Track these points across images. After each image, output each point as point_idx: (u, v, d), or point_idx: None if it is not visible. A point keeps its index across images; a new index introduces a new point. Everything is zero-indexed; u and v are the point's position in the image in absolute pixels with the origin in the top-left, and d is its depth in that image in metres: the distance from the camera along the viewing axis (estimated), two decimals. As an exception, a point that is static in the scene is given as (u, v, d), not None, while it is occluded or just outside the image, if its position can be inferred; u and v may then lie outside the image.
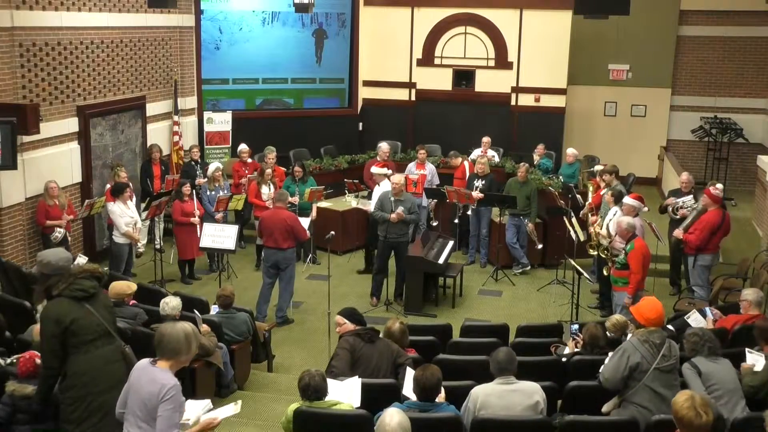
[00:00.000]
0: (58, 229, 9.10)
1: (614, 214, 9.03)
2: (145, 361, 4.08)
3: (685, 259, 9.24)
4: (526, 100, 14.48)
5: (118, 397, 4.34)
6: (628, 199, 8.78)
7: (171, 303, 6.41)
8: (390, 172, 10.62)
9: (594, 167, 11.42)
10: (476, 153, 12.45)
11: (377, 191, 10.39)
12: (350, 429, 4.47)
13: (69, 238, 9.41)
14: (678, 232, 9.00)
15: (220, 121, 13.25)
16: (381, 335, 5.76)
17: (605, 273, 8.59)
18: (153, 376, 3.94)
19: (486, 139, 12.69)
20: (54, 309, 4.46)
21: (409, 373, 4.98)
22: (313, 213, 10.71)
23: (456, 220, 11.21)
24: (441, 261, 9.53)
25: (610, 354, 5.31)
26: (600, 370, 5.26)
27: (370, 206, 10.52)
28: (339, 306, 9.37)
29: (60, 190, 9.34)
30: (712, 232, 8.84)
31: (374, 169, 10.80)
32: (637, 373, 4.97)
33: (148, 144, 11.49)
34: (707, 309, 7.13)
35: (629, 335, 5.58)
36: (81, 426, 4.38)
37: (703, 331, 5.42)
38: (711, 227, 8.84)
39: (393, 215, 9.19)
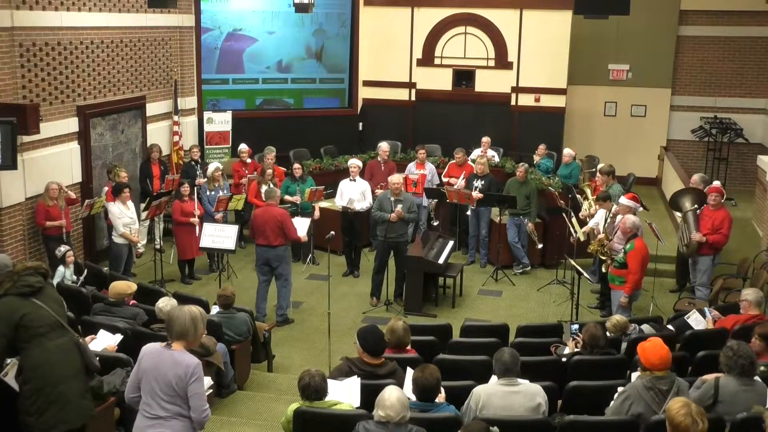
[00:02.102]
0: (64, 245, 8.74)
1: (602, 217, 9.06)
2: (157, 346, 4.25)
3: (695, 261, 9.19)
4: (526, 100, 14.48)
5: (78, 386, 4.58)
6: (623, 200, 8.78)
7: (165, 309, 6.39)
8: (360, 163, 10.84)
9: (597, 167, 11.40)
10: (476, 153, 12.45)
11: (343, 184, 10.60)
12: (350, 429, 4.46)
13: (72, 261, 8.63)
14: (699, 236, 8.87)
15: (220, 121, 13.24)
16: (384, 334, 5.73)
17: (604, 270, 8.61)
18: (174, 359, 4.15)
19: (486, 139, 12.69)
20: (3, 308, 4.50)
21: (409, 373, 4.98)
22: (316, 213, 10.73)
23: (468, 212, 11.16)
24: (441, 261, 9.53)
25: (620, 389, 5.05)
26: (609, 408, 5.03)
27: (336, 200, 10.70)
28: (339, 306, 9.48)
29: (59, 192, 9.33)
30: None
31: (351, 161, 10.94)
32: (641, 421, 4.67)
33: (148, 144, 11.49)
34: (706, 309, 7.14)
35: (637, 376, 5.03)
36: (42, 417, 4.47)
37: (739, 345, 4.92)
38: (731, 223, 8.93)
39: (392, 215, 9.20)
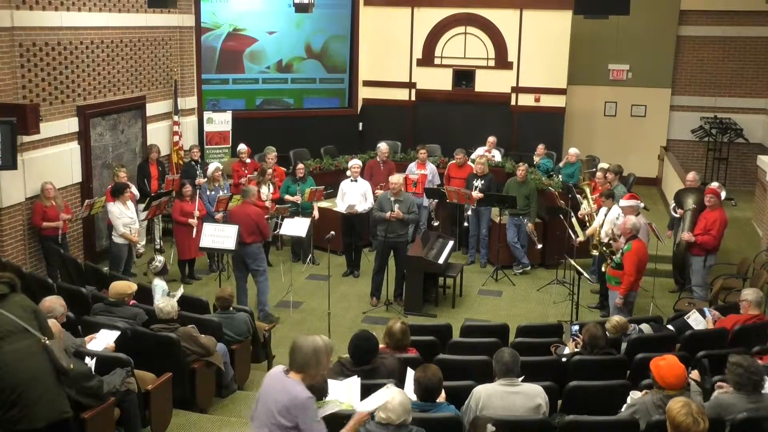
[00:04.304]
0: (159, 257, 8.11)
1: (605, 215, 9.06)
2: (278, 369, 4.08)
3: (689, 261, 9.20)
4: (526, 100, 14.49)
5: (40, 389, 4.51)
6: (624, 202, 8.76)
7: (165, 309, 6.38)
8: (360, 164, 10.88)
9: (597, 166, 11.42)
10: (479, 152, 12.46)
11: (344, 184, 10.63)
12: (350, 429, 4.46)
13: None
14: (688, 236, 8.90)
15: (220, 121, 13.26)
16: (382, 335, 5.74)
17: (603, 269, 8.60)
18: (285, 386, 3.94)
19: (492, 139, 12.68)
20: None
21: (410, 374, 4.98)
22: (315, 213, 10.74)
23: (465, 224, 11.14)
24: (441, 261, 9.53)
25: (631, 397, 4.99)
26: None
27: (337, 201, 10.69)
28: (339, 306, 9.48)
29: (56, 191, 9.34)
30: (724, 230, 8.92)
31: (352, 162, 10.96)
32: None
33: (148, 144, 11.49)
34: (706, 309, 7.13)
35: (638, 396, 4.97)
36: (6, 414, 4.49)
37: (747, 361, 4.76)
38: (724, 226, 8.89)
39: (389, 213, 9.19)
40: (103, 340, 5.98)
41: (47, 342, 4.66)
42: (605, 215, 9.08)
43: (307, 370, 3.95)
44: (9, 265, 8.28)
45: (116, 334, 6.04)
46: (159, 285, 7.68)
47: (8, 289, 4.67)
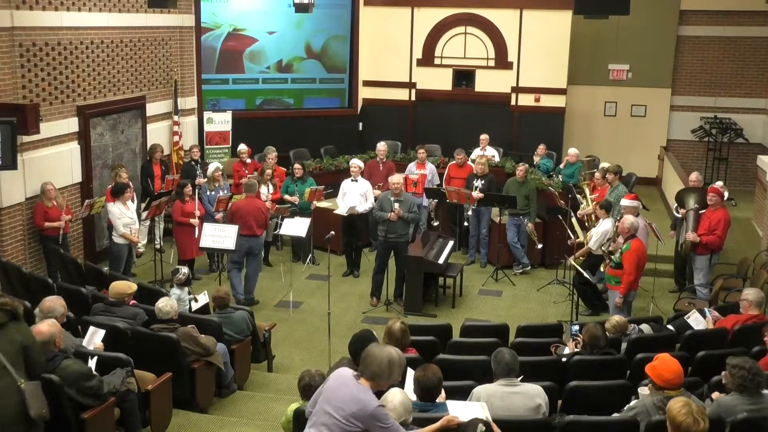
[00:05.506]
0: (182, 268, 8.10)
1: (601, 226, 9.07)
2: (348, 372, 4.01)
3: (692, 261, 9.19)
4: (526, 100, 14.48)
5: None
6: (625, 201, 8.79)
7: (164, 309, 6.38)
8: (361, 164, 10.89)
9: (599, 166, 11.41)
10: (477, 152, 12.45)
11: (345, 184, 10.66)
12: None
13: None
14: (693, 236, 8.89)
15: (220, 121, 13.25)
16: (382, 335, 5.74)
17: (602, 269, 8.60)
18: (355, 392, 3.86)
19: (484, 137, 12.68)
20: None
21: (410, 373, 4.98)
22: (314, 205, 10.98)
23: (466, 223, 11.14)
24: (441, 261, 9.53)
25: (640, 392, 4.96)
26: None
27: (338, 201, 10.72)
28: (339, 306, 9.49)
29: (56, 191, 9.33)
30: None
31: (352, 161, 10.97)
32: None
33: (149, 144, 11.49)
34: (706, 309, 7.14)
35: (647, 393, 4.91)
36: None
37: (749, 363, 4.72)
38: (728, 225, 8.91)
39: (391, 214, 9.20)
40: (91, 340, 5.94)
41: (23, 386, 4.39)
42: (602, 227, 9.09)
43: (378, 380, 3.93)
44: (9, 265, 8.29)
45: (102, 333, 6.00)
46: (176, 295, 7.69)
47: (7, 318, 4.42)
